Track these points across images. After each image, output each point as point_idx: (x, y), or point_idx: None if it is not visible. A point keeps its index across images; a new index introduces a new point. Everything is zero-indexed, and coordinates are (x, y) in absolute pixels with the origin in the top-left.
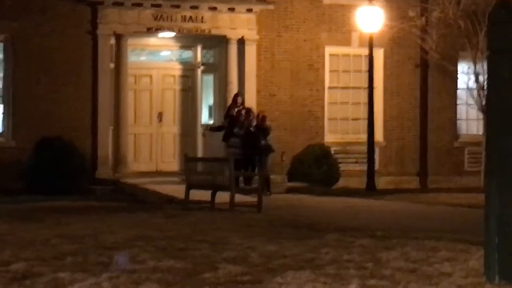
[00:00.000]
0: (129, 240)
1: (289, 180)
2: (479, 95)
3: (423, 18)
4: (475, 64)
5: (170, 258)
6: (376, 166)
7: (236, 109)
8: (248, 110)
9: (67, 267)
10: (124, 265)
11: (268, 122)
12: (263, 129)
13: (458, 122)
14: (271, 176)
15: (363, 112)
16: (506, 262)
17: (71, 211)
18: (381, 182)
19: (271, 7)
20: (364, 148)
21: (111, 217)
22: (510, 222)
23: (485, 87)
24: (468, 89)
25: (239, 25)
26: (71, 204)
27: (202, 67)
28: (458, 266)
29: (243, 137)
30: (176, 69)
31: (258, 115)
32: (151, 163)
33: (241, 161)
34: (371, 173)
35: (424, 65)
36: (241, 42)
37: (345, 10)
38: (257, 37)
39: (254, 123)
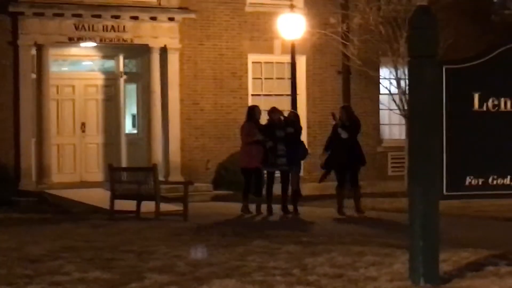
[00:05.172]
0: (54, 252)
1: (215, 188)
2: (401, 100)
3: (344, 24)
4: (396, 69)
5: (96, 269)
6: (302, 172)
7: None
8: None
9: None
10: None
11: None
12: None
13: (381, 127)
14: (196, 184)
15: None
16: (431, 265)
17: None
18: (306, 188)
19: (193, 15)
20: None
21: (35, 229)
22: (434, 226)
23: (407, 92)
24: (390, 94)
25: (161, 34)
26: None
27: (125, 77)
28: (384, 270)
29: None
30: (99, 79)
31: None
32: (75, 174)
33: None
34: None
35: (346, 72)
36: (164, 51)
37: (267, 18)
38: (180, 45)
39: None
